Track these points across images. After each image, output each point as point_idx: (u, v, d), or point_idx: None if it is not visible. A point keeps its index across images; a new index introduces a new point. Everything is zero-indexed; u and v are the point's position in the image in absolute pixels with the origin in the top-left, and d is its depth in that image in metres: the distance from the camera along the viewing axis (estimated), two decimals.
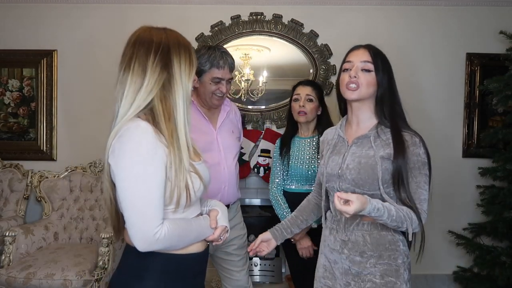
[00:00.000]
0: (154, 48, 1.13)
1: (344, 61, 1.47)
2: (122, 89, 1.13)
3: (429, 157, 1.38)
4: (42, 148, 3.43)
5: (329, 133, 1.61)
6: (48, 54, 3.41)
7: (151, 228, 1.06)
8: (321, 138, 1.67)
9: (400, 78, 3.15)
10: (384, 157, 1.36)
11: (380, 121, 1.42)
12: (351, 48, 1.49)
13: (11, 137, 3.44)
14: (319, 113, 2.22)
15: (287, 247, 2.18)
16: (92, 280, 2.53)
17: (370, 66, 1.40)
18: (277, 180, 2.25)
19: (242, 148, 2.25)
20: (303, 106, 2.16)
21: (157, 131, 1.09)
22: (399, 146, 1.35)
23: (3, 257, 2.66)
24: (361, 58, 1.41)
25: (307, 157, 2.17)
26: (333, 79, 3.40)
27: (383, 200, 1.33)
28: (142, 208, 1.05)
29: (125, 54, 1.15)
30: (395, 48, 3.35)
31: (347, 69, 1.44)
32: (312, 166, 2.15)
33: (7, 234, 2.69)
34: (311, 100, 2.17)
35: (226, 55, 1.92)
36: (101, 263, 2.59)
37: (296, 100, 2.20)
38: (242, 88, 3.38)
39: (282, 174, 2.23)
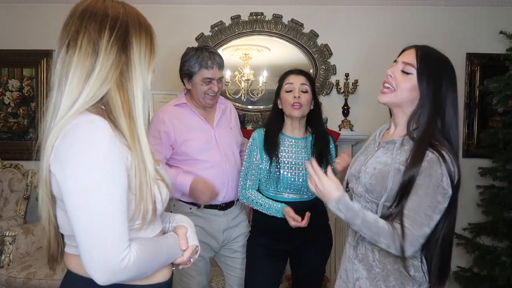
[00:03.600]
0: (109, 23, 0.89)
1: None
2: (64, 73, 0.87)
3: (453, 187, 1.17)
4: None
5: (372, 135, 1.50)
6: (48, 54, 3.40)
7: (116, 253, 0.81)
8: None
9: None
10: (399, 170, 1.21)
11: (407, 132, 1.26)
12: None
13: (11, 137, 3.44)
14: (311, 107, 1.94)
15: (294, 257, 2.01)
16: None
17: (410, 69, 1.25)
18: (250, 183, 1.94)
19: (242, 145, 2.24)
20: (299, 96, 1.85)
21: (115, 128, 0.87)
22: (415, 159, 1.18)
23: (3, 257, 2.67)
24: (405, 59, 1.28)
25: (300, 162, 1.89)
26: (333, 79, 3.40)
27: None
28: (103, 228, 0.81)
29: (68, 26, 0.90)
30: (395, 48, 3.34)
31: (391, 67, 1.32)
32: (302, 174, 1.86)
33: (7, 234, 2.70)
34: (306, 92, 1.88)
35: (214, 54, 1.96)
36: None
37: (289, 91, 1.88)
38: (242, 88, 3.38)
39: (260, 176, 1.93)
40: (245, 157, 1.98)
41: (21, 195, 3.21)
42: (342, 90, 3.34)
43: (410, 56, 1.27)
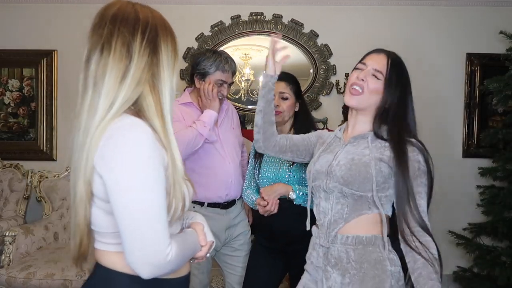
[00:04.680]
0: (141, 27, 0.92)
1: (360, 61, 1.38)
2: (100, 74, 0.89)
3: (429, 166, 1.27)
4: (42, 148, 3.43)
5: (327, 134, 1.52)
6: (48, 54, 3.41)
7: (162, 248, 0.86)
8: (319, 132, 1.59)
9: None
10: (381, 159, 1.26)
11: (376, 132, 1.32)
12: (373, 49, 1.40)
13: (11, 137, 3.44)
14: (296, 109, 1.97)
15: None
16: None
17: (380, 76, 1.31)
18: (254, 185, 2.03)
19: (242, 145, 2.25)
20: (277, 105, 1.88)
21: (153, 129, 0.90)
22: (401, 156, 1.24)
23: (3, 257, 2.67)
24: (375, 66, 1.31)
25: (279, 159, 1.92)
26: (333, 79, 3.40)
27: (374, 203, 1.25)
28: (150, 225, 0.85)
29: (100, 29, 0.91)
30: (395, 48, 3.33)
31: (358, 69, 1.35)
32: (281, 170, 1.91)
33: (7, 234, 2.69)
34: (286, 99, 1.91)
35: (231, 60, 2.04)
36: None
37: None
38: (242, 88, 3.38)
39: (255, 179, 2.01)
40: (251, 157, 2.05)
41: (21, 195, 3.21)
42: (342, 90, 3.34)
43: (381, 63, 1.32)
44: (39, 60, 3.41)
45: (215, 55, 1.99)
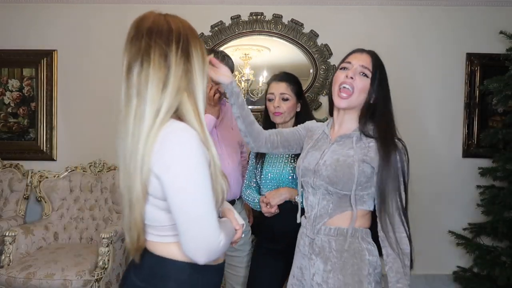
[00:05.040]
0: (175, 37, 1.00)
1: (343, 61, 1.43)
2: (143, 84, 0.97)
3: (408, 166, 1.34)
4: (42, 148, 3.43)
5: (315, 127, 1.57)
6: (48, 54, 3.41)
7: (216, 236, 0.98)
8: (308, 124, 1.62)
9: (399, 78, 3.18)
10: (364, 160, 1.33)
11: (362, 130, 1.38)
12: (353, 50, 1.45)
13: (11, 137, 3.44)
14: (298, 109, 1.97)
15: None
16: (92, 280, 2.53)
17: (368, 72, 1.36)
18: (254, 185, 2.03)
19: (242, 146, 2.26)
20: (278, 106, 1.90)
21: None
22: (387, 155, 1.30)
23: (3, 257, 2.67)
24: (362, 63, 1.37)
25: (282, 160, 1.94)
26: None
27: (350, 202, 1.34)
28: (206, 217, 0.97)
29: (137, 41, 0.99)
30: (395, 48, 3.35)
31: (344, 68, 1.40)
32: (284, 171, 1.91)
33: (7, 234, 2.69)
34: (286, 99, 1.91)
35: (228, 57, 2.02)
36: (101, 263, 2.59)
37: (270, 99, 1.94)
38: (242, 88, 3.38)
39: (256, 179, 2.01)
40: (251, 157, 2.05)
41: (21, 195, 3.21)
42: None
43: (367, 60, 1.37)
44: (39, 60, 3.41)
45: (211, 54, 1.98)
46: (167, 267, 1.05)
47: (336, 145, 1.40)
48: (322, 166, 1.37)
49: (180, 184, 0.95)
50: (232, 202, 2.06)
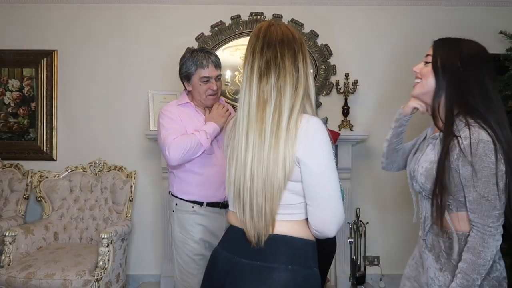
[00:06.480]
0: (301, 47, 1.19)
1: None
2: (281, 88, 1.14)
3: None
4: (42, 148, 3.43)
5: (420, 137, 1.56)
6: (48, 54, 3.41)
7: (343, 211, 1.13)
8: (415, 140, 1.61)
9: (399, 78, 3.16)
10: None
11: (435, 123, 1.37)
12: None
13: (11, 137, 3.44)
14: None
15: None
16: (92, 280, 2.53)
17: (429, 58, 1.40)
18: None
19: None
20: None
21: None
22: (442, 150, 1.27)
23: (3, 257, 2.67)
24: (427, 52, 1.42)
25: None
26: (333, 79, 3.40)
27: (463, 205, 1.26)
28: (338, 194, 1.12)
29: (269, 52, 1.17)
30: (395, 48, 3.35)
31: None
32: None
33: (7, 234, 2.70)
34: None
35: (209, 54, 2.02)
36: (101, 263, 2.59)
37: None
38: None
39: None
40: None
41: (21, 195, 3.21)
42: (342, 90, 3.34)
43: (430, 49, 1.42)
44: (39, 60, 3.41)
45: (193, 54, 2.00)
46: (291, 243, 1.14)
47: (430, 147, 1.42)
48: (417, 172, 1.40)
49: (326, 164, 1.10)
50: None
